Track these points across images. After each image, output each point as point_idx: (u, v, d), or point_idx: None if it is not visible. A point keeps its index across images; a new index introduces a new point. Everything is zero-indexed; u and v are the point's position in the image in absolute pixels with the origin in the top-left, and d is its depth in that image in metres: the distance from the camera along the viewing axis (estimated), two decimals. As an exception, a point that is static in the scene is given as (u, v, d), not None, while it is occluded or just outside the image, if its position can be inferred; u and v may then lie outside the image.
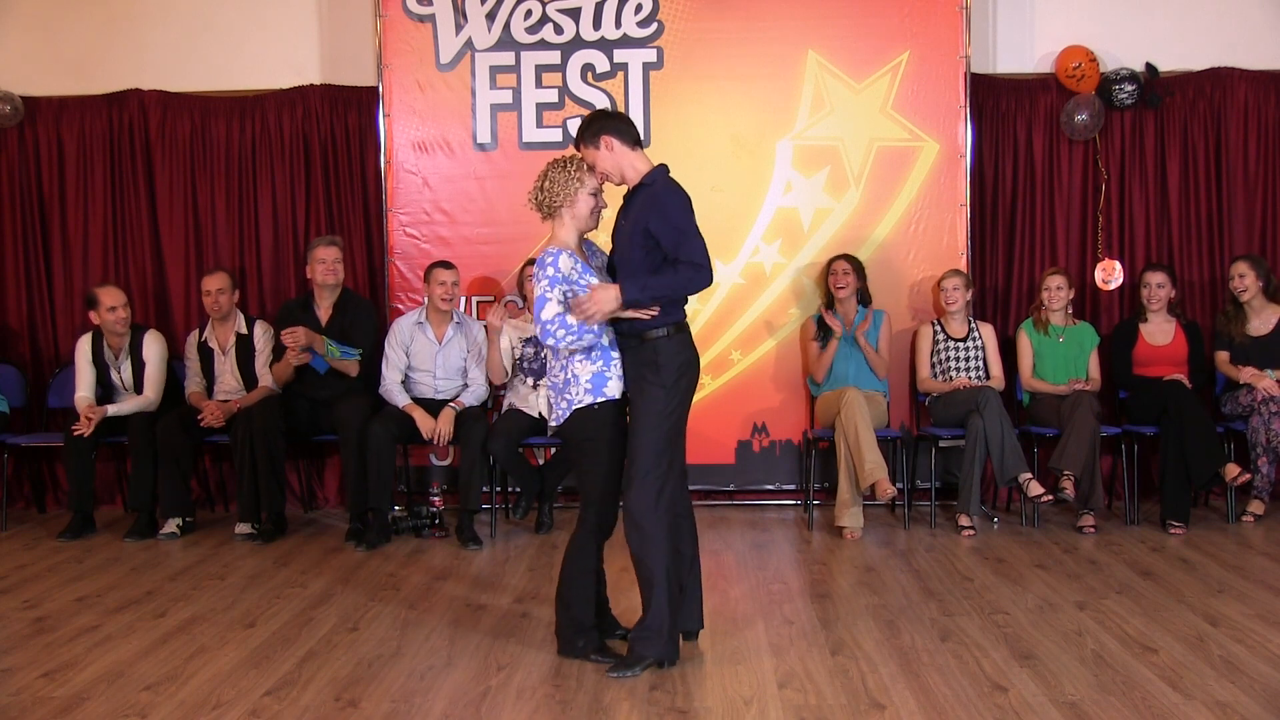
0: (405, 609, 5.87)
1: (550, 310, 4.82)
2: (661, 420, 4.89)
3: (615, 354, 4.97)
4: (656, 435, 4.88)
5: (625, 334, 4.98)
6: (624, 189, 5.11)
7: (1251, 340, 7.79)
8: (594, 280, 4.88)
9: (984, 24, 8.31)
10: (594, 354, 4.93)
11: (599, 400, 4.92)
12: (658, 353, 4.92)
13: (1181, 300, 8.08)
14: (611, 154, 5.01)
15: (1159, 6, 8.39)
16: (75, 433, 7.47)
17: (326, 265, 7.64)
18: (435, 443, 7.43)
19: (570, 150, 5.13)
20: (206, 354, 7.88)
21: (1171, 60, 8.30)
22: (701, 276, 4.87)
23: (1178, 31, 8.36)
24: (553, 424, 5.07)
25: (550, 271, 4.84)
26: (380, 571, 6.63)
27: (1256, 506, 7.56)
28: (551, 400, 5.07)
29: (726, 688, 4.73)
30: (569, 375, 4.95)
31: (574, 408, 4.93)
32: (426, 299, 7.65)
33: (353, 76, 8.41)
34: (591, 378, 4.92)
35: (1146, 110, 8.30)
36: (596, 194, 5.04)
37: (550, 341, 4.85)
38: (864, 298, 7.87)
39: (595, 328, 4.86)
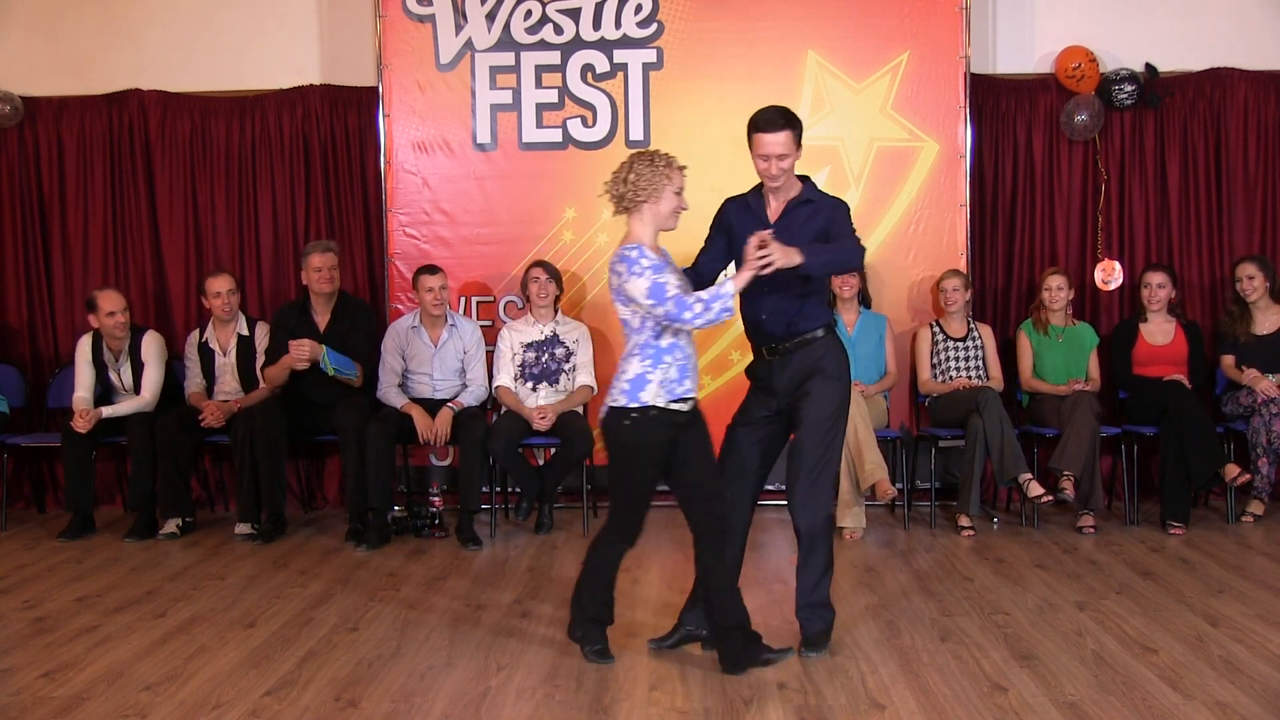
0: (405, 609, 5.87)
1: (672, 288, 4.67)
2: (841, 412, 4.99)
3: (669, 359, 4.79)
4: (835, 429, 4.97)
5: (780, 339, 5.00)
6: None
7: (1256, 340, 7.80)
8: (674, 279, 4.79)
9: (984, 24, 8.31)
10: (647, 352, 4.78)
11: (632, 405, 4.76)
12: (827, 350, 5.01)
13: (1181, 300, 8.08)
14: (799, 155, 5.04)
15: (1159, 7, 8.39)
16: (71, 425, 7.48)
17: (322, 273, 7.62)
18: (432, 443, 7.44)
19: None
20: (207, 355, 7.87)
21: (1171, 60, 8.30)
22: (862, 253, 5.07)
23: (1177, 32, 8.36)
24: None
25: (646, 261, 4.69)
26: (380, 571, 6.63)
27: (1256, 507, 7.57)
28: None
29: (726, 688, 4.73)
30: (619, 372, 4.84)
31: (609, 406, 4.82)
32: (419, 304, 7.66)
33: (352, 77, 8.42)
34: (633, 378, 4.78)
35: (1146, 110, 8.30)
36: (680, 193, 4.88)
37: (687, 315, 4.61)
38: (864, 299, 7.88)
39: (731, 305, 4.70)
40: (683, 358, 4.82)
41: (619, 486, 4.95)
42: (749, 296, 5.00)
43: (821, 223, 4.99)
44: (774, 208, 5.06)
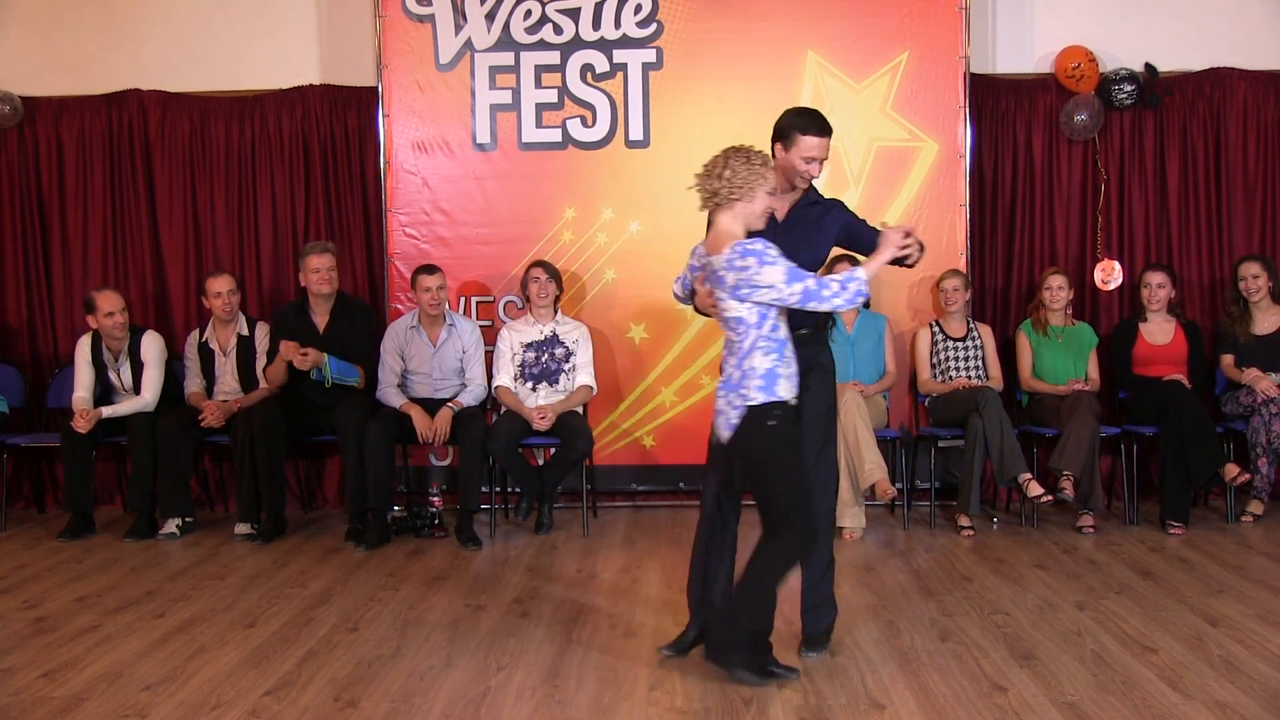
0: (405, 609, 5.87)
1: (800, 271, 4.58)
2: (835, 408, 5.16)
3: (788, 353, 4.71)
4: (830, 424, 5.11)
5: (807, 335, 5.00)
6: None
7: (1256, 340, 7.80)
8: None
9: (983, 24, 8.31)
10: (770, 345, 4.64)
11: (772, 401, 4.64)
12: (823, 347, 5.13)
13: (1181, 300, 8.08)
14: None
15: (1158, 7, 8.39)
16: (70, 425, 7.49)
17: (321, 274, 7.61)
18: (432, 443, 7.44)
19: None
20: (207, 355, 7.88)
21: (1171, 60, 8.30)
22: None
23: (1177, 32, 8.36)
24: (725, 434, 4.74)
25: (773, 251, 4.54)
26: (380, 571, 6.63)
27: (1256, 507, 7.57)
28: (723, 407, 4.75)
29: (726, 688, 4.73)
30: (743, 371, 4.66)
31: (748, 404, 4.62)
32: (417, 304, 7.67)
33: (352, 77, 8.41)
34: (765, 373, 4.65)
35: (1146, 110, 8.30)
36: (774, 193, 4.78)
37: (826, 293, 4.53)
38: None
39: (866, 289, 4.64)
40: (791, 351, 4.75)
41: (778, 486, 4.68)
42: None
43: (835, 222, 4.99)
44: (780, 208, 5.05)
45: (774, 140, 4.98)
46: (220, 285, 7.76)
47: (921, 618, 5.59)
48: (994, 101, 8.32)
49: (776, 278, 4.53)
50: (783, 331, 4.69)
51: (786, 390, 4.66)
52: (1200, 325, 8.04)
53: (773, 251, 4.56)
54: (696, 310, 5.01)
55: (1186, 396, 7.46)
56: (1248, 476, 7.35)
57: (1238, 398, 7.68)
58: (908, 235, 4.69)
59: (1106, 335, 8.10)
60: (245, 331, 7.88)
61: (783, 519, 4.67)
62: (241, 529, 7.50)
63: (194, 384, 7.87)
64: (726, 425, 4.70)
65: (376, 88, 8.10)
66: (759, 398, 4.61)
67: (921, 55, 7.97)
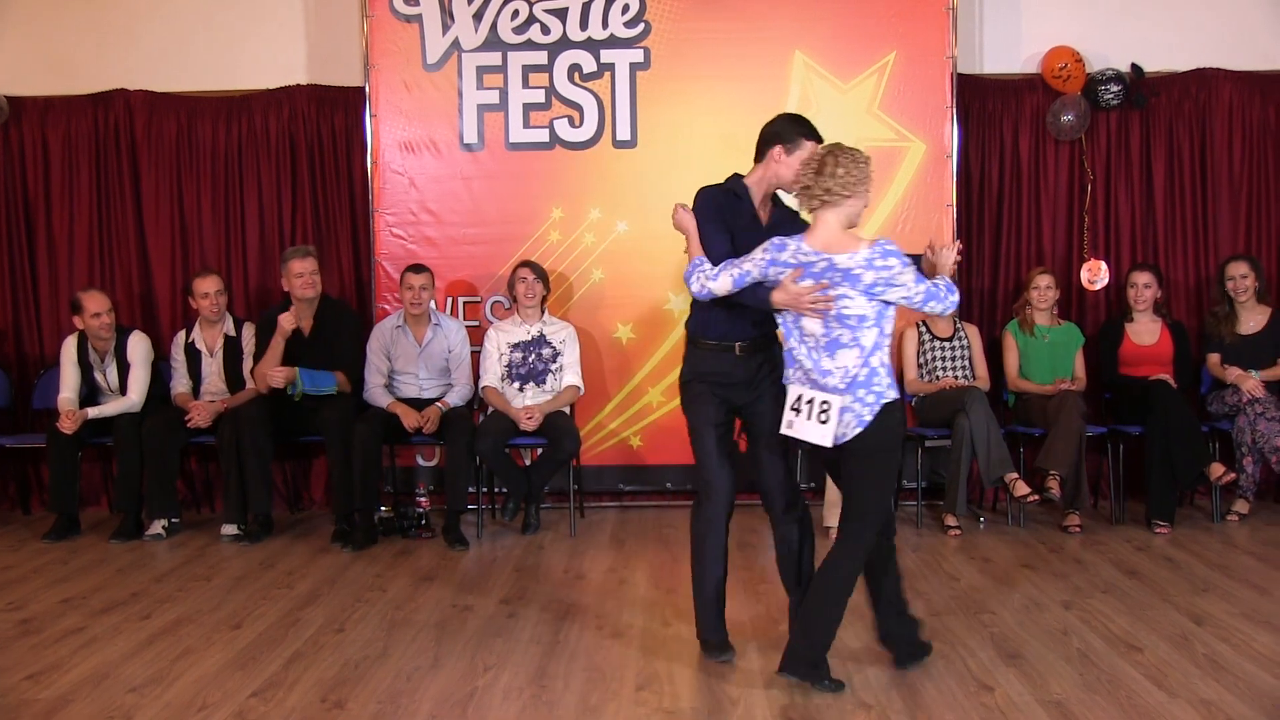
0: (392, 610, 5.87)
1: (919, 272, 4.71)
2: None
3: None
4: None
5: (752, 337, 5.03)
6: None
7: (1242, 339, 7.83)
8: None
9: (970, 24, 8.33)
10: (884, 343, 4.68)
11: (897, 398, 4.69)
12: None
13: (1167, 300, 8.10)
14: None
15: (1145, 8, 8.41)
16: (56, 426, 7.47)
17: (304, 279, 7.58)
18: (421, 430, 7.41)
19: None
20: (193, 355, 7.86)
21: (1157, 61, 8.33)
22: None
23: (1163, 32, 8.38)
24: (841, 435, 4.66)
25: (896, 247, 4.61)
26: (367, 572, 6.62)
27: (1241, 506, 7.60)
28: (829, 408, 4.67)
29: (713, 688, 4.73)
30: (870, 369, 4.64)
31: (882, 402, 4.62)
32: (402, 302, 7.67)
33: (339, 77, 8.40)
34: (886, 371, 4.68)
35: (1132, 111, 8.32)
36: (868, 194, 4.82)
37: (950, 297, 4.70)
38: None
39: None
40: None
41: (887, 480, 4.77)
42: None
43: (800, 229, 5.00)
44: (759, 209, 5.06)
45: (771, 143, 4.99)
46: (207, 286, 7.74)
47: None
48: (981, 102, 8.33)
49: (910, 279, 4.59)
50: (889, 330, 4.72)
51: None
52: (1186, 325, 8.06)
53: (904, 254, 4.64)
54: (768, 308, 4.82)
55: (1172, 396, 7.48)
56: (1233, 476, 7.37)
57: (1223, 397, 7.71)
58: (961, 252, 4.83)
59: (1093, 335, 8.11)
60: (232, 332, 7.87)
61: (875, 510, 4.70)
62: (228, 530, 7.49)
63: (180, 384, 7.86)
64: (858, 422, 4.62)
65: (364, 88, 8.09)
66: (891, 394, 4.64)
67: (909, 55, 7.98)
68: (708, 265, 4.90)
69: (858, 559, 4.71)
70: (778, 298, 4.69)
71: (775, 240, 4.75)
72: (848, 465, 4.72)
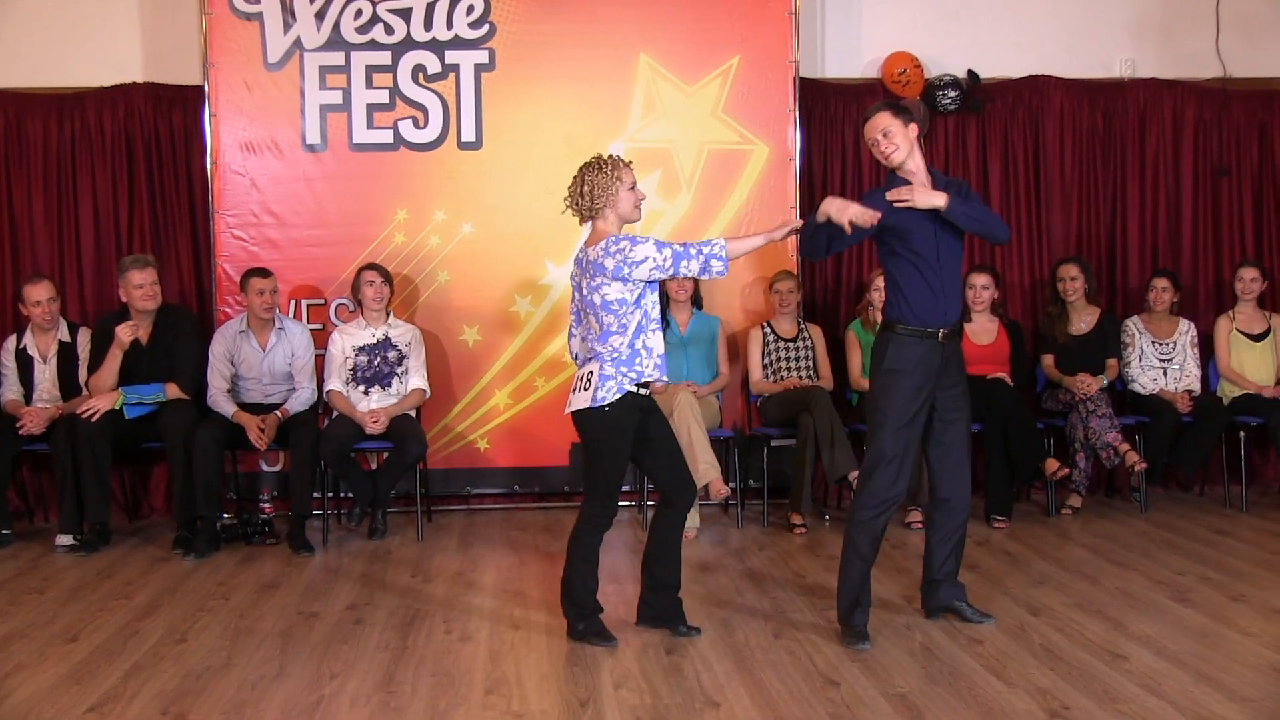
0: (235, 618, 5.76)
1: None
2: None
3: (608, 358, 5.19)
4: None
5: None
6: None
7: (1073, 339, 8.06)
8: None
9: (812, 29, 8.46)
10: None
11: (610, 401, 5.15)
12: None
13: (1003, 301, 8.29)
14: None
15: (981, 16, 8.63)
16: None
17: (144, 290, 7.38)
18: (260, 447, 7.30)
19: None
20: (25, 362, 7.62)
21: (992, 68, 8.55)
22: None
23: (998, 40, 8.62)
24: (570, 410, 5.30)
25: (629, 237, 5.15)
26: (209, 580, 6.49)
27: (1075, 500, 7.85)
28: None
29: (563, 690, 4.74)
30: (591, 371, 5.21)
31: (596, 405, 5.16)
32: (248, 307, 7.53)
33: (177, 75, 8.21)
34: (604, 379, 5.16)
35: (969, 115, 8.52)
36: (634, 186, 5.30)
37: (718, 268, 5.16)
38: (696, 300, 7.95)
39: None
40: (609, 358, 5.27)
41: (601, 475, 5.35)
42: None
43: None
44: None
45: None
46: (39, 293, 7.49)
47: (755, 615, 5.66)
48: (823, 105, 8.46)
49: (648, 250, 5.20)
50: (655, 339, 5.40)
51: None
52: (1021, 325, 8.27)
53: (629, 238, 5.22)
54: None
55: (1009, 394, 7.66)
56: (1067, 471, 7.61)
57: (1057, 395, 7.95)
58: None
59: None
60: (67, 337, 7.65)
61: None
62: (63, 540, 7.27)
63: (11, 391, 7.60)
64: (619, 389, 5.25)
65: (202, 86, 7.93)
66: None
67: (752, 59, 8.07)
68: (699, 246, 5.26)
69: (590, 532, 5.29)
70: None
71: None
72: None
